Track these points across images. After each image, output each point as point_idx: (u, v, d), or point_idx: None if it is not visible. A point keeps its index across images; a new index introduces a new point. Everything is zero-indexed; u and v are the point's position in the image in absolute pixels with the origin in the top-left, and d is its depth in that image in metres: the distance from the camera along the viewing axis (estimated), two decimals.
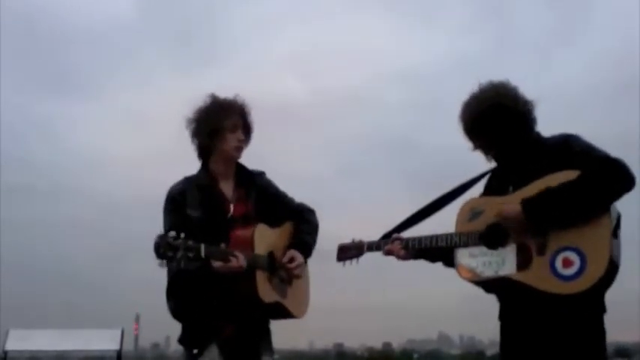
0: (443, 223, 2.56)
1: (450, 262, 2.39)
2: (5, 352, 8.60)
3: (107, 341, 8.90)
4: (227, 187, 2.67)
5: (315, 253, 2.84)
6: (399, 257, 2.55)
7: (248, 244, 2.48)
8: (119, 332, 9.02)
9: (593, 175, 2.12)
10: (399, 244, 2.55)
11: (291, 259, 2.62)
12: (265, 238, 2.57)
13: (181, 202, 2.56)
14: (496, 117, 2.34)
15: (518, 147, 2.36)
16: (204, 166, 2.68)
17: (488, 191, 2.49)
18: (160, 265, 2.22)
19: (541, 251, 2.17)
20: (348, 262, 2.74)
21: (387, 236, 2.67)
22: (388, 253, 2.58)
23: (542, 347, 2.19)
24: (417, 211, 2.65)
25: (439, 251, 2.45)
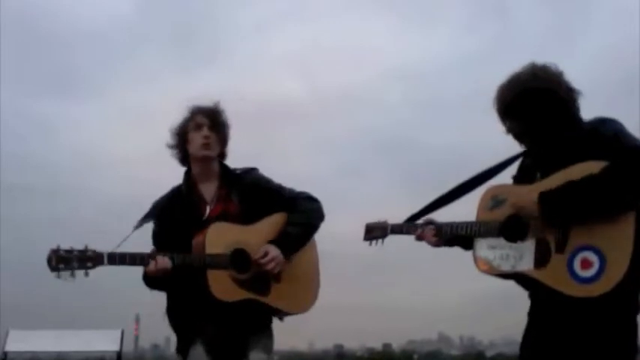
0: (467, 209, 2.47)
1: None
2: (5, 353, 8.57)
3: (107, 342, 8.86)
4: (208, 189, 2.70)
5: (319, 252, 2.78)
6: (431, 244, 2.46)
7: (201, 247, 2.50)
8: (119, 333, 8.98)
9: (618, 168, 1.97)
10: (432, 229, 2.45)
11: (264, 255, 2.55)
12: (224, 236, 2.54)
13: (159, 211, 2.65)
14: (534, 101, 2.20)
15: (555, 135, 2.20)
16: (187, 173, 2.74)
17: (519, 175, 2.35)
18: (57, 277, 2.29)
19: (560, 249, 2.07)
20: (374, 242, 2.69)
21: (411, 219, 2.58)
22: (419, 238, 2.48)
23: (563, 349, 2.10)
24: (443, 195, 2.54)
25: (471, 238, 2.33)
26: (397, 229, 2.60)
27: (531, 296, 2.29)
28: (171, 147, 2.74)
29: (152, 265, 2.41)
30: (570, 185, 2.04)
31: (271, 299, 2.59)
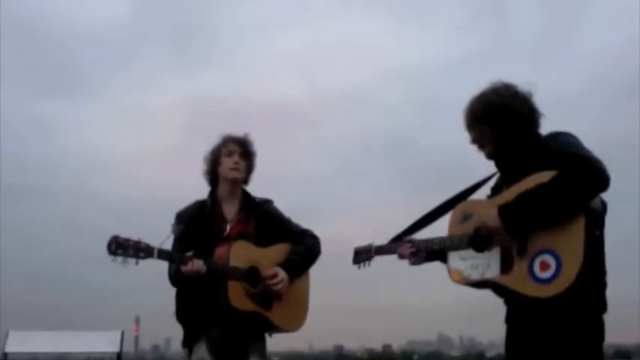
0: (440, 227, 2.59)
1: None
2: (5, 354, 8.59)
3: (107, 343, 8.88)
4: (229, 209, 3.04)
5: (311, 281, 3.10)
6: (411, 262, 2.60)
7: (224, 258, 2.83)
8: (119, 334, 9.01)
9: (564, 176, 2.10)
10: (408, 247, 2.59)
11: (274, 276, 2.90)
12: (244, 253, 2.88)
13: (184, 220, 2.93)
14: (499, 114, 2.36)
15: (515, 146, 2.37)
16: (212, 192, 3.08)
17: (492, 193, 2.50)
18: (112, 260, 2.56)
19: (521, 254, 2.20)
20: (362, 265, 2.87)
21: (395, 240, 2.73)
22: (401, 257, 2.64)
23: (538, 350, 2.20)
24: (425, 215, 2.70)
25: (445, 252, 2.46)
26: (381, 250, 2.78)
27: (506, 302, 2.40)
28: (204, 170, 3.09)
29: (190, 266, 2.68)
30: (523, 195, 2.18)
31: (272, 315, 2.91)
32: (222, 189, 3.06)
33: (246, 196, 3.10)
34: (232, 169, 2.99)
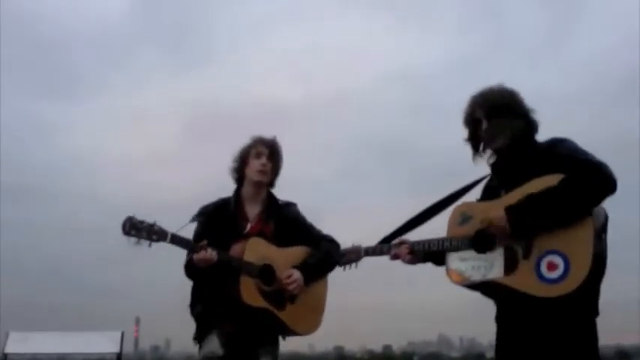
0: (438, 227, 2.59)
1: None
2: (5, 355, 8.60)
3: (107, 344, 8.90)
4: (252, 209, 3.04)
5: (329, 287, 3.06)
6: (406, 262, 2.59)
7: (240, 252, 2.82)
8: (119, 335, 9.03)
9: (574, 179, 2.14)
10: (406, 247, 2.58)
11: (288, 276, 2.88)
12: (260, 250, 2.86)
13: (206, 214, 2.97)
14: (497, 113, 2.39)
15: (513, 149, 2.39)
16: (237, 190, 3.09)
17: (485, 195, 2.52)
18: (127, 240, 2.55)
19: (526, 255, 2.21)
20: (347, 267, 2.86)
21: (385, 241, 2.73)
22: (395, 257, 2.63)
23: (534, 350, 2.21)
24: (415, 216, 2.71)
25: (442, 254, 2.47)
26: (371, 252, 2.76)
27: (497, 303, 2.41)
28: (231, 168, 3.10)
29: (202, 254, 2.67)
30: (532, 197, 2.20)
31: (284, 315, 2.87)
32: (247, 189, 3.06)
33: (270, 197, 3.10)
34: (260, 171, 2.99)
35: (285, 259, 2.93)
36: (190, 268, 2.83)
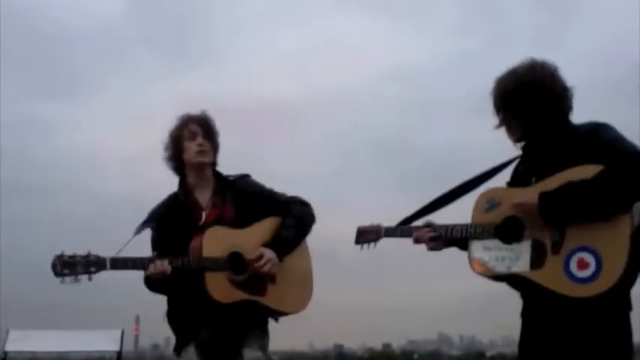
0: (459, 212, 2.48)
1: None
2: (5, 353, 8.57)
3: (107, 342, 8.86)
4: (203, 195, 2.79)
5: (311, 254, 2.84)
6: (430, 247, 2.43)
7: (198, 250, 2.59)
8: (119, 333, 8.97)
9: (616, 171, 1.99)
10: (427, 230, 2.42)
11: (259, 258, 2.65)
12: (222, 240, 2.63)
13: (158, 217, 2.73)
14: (529, 94, 2.21)
15: (547, 131, 2.22)
16: (181, 181, 2.83)
17: (513, 181, 2.37)
18: (61, 282, 2.37)
19: (556, 250, 2.09)
20: (365, 246, 2.66)
21: (404, 222, 2.56)
22: (417, 241, 2.45)
23: (561, 349, 2.11)
24: (436, 199, 2.55)
25: (466, 240, 2.33)
26: (391, 232, 2.59)
27: (523, 297, 2.30)
28: (166, 157, 2.83)
29: (152, 269, 2.48)
30: (570, 186, 2.06)
31: (267, 300, 2.68)
32: (192, 176, 2.80)
33: (219, 177, 2.85)
34: (198, 152, 2.74)
35: (254, 240, 2.70)
36: (150, 285, 2.66)
